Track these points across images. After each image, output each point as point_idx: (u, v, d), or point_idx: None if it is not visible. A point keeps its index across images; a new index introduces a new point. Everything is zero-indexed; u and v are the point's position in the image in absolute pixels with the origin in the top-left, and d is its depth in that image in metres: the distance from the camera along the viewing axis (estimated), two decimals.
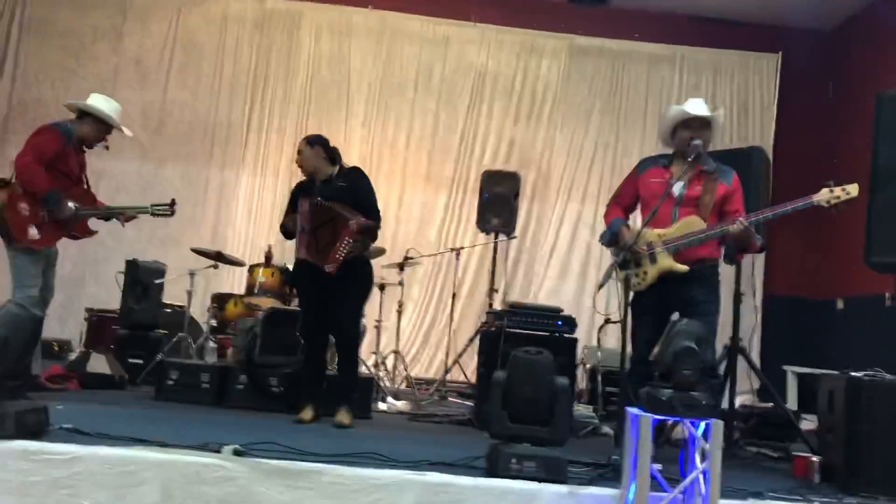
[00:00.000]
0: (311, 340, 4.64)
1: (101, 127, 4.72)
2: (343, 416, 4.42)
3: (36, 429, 3.11)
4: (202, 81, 8.60)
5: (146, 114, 8.49)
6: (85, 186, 4.82)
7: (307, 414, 4.44)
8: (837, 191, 3.73)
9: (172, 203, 5.02)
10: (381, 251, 6.04)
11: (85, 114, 4.70)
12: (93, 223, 4.91)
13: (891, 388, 3.53)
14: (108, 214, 4.86)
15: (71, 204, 4.58)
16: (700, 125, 4.03)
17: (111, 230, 8.15)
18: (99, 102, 4.73)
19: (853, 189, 3.71)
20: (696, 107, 4.09)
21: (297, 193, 4.66)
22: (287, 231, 4.71)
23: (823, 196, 3.76)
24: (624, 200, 4.27)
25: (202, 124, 8.55)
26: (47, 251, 4.64)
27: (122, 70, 8.54)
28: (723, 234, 3.92)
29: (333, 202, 4.43)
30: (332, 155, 4.65)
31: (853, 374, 3.63)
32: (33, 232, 4.49)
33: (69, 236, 4.76)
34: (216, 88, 8.60)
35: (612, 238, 4.15)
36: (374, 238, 4.62)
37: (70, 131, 4.64)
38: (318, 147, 4.60)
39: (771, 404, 5.11)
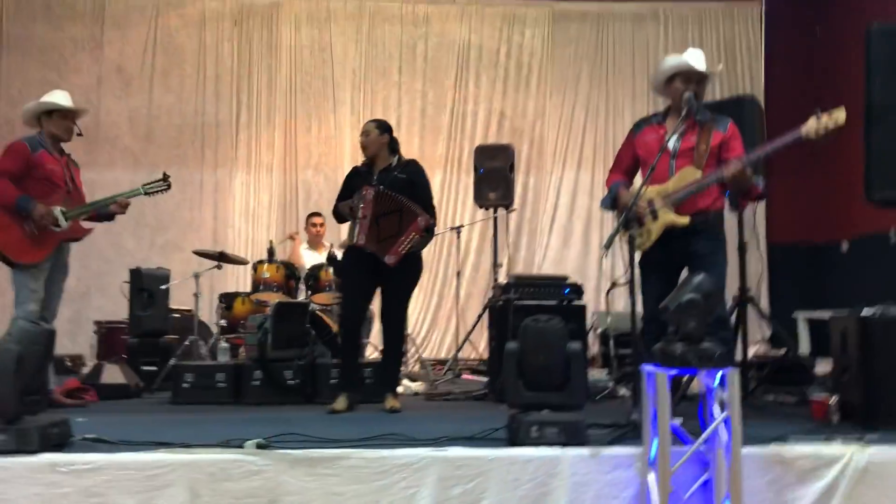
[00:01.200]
0: (352, 330, 4.63)
1: (61, 116, 4.66)
2: (394, 402, 4.47)
3: (59, 441, 3.13)
4: (186, 83, 8.57)
5: (133, 121, 8.47)
6: (69, 189, 4.69)
7: (341, 404, 4.43)
8: (824, 118, 3.60)
9: (166, 176, 4.92)
10: None
11: (42, 115, 4.69)
12: (89, 223, 4.88)
13: None
14: (96, 208, 4.75)
15: (57, 209, 4.52)
16: (698, 78, 3.95)
17: (112, 242, 8.28)
18: (45, 97, 4.72)
19: (840, 114, 3.58)
20: (696, 59, 3.98)
21: (354, 179, 4.63)
22: (340, 215, 4.68)
23: (811, 126, 3.63)
24: (623, 164, 4.20)
25: (191, 126, 8.53)
26: (44, 265, 4.58)
27: (105, 79, 8.50)
28: (719, 180, 3.82)
29: (398, 194, 4.42)
30: (394, 145, 4.66)
31: (864, 312, 3.63)
32: (25, 256, 4.49)
33: (67, 240, 4.69)
34: (201, 89, 8.57)
35: (612, 202, 4.10)
36: (432, 236, 4.63)
37: (35, 139, 4.63)
38: (385, 133, 4.61)
39: (784, 351, 5.13)
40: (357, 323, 4.66)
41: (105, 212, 4.85)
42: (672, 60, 4.05)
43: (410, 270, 4.61)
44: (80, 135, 4.75)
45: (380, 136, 4.60)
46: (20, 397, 3.02)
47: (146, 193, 4.89)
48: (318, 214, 7.13)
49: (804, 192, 8.21)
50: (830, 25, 8.25)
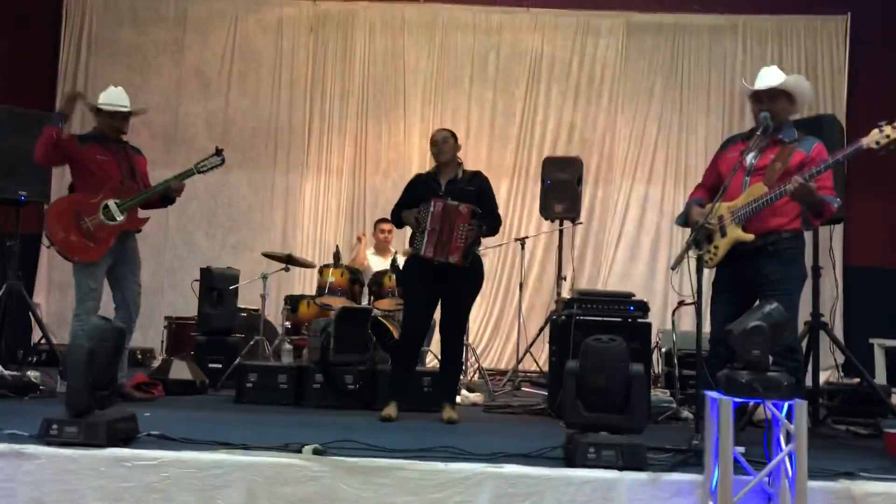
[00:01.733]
0: (412, 338, 4.64)
1: (108, 115, 4.74)
2: (451, 412, 4.48)
3: (126, 436, 3.24)
4: (262, 87, 8.77)
5: (210, 123, 8.71)
6: (124, 180, 4.72)
7: (392, 411, 4.46)
8: (888, 129, 3.51)
9: (219, 150, 4.89)
10: None
11: (96, 112, 4.80)
12: (145, 212, 4.93)
13: None
14: (152, 195, 4.76)
15: (111, 201, 4.59)
16: (768, 97, 3.90)
17: (186, 240, 8.52)
18: (102, 95, 4.82)
19: None
20: (761, 79, 3.96)
21: (419, 186, 4.67)
22: (398, 220, 4.72)
23: (873, 137, 3.54)
24: (707, 181, 4.16)
25: (264, 130, 8.73)
26: (103, 261, 4.63)
27: (184, 82, 8.77)
28: (782, 195, 3.71)
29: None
30: (457, 157, 4.71)
31: None
32: (80, 255, 4.57)
33: (125, 232, 4.71)
34: (276, 93, 8.76)
35: (685, 218, 4.08)
36: (494, 229, 4.64)
37: (83, 135, 4.81)
38: (455, 143, 4.66)
39: (857, 380, 4.93)
40: (419, 334, 4.67)
41: (165, 194, 4.84)
42: (740, 88, 4.04)
43: (472, 280, 4.61)
44: (122, 132, 4.82)
45: (454, 144, 4.64)
46: (90, 392, 3.13)
47: (199, 171, 4.83)
48: (386, 220, 7.18)
49: (886, 214, 7.89)
50: None
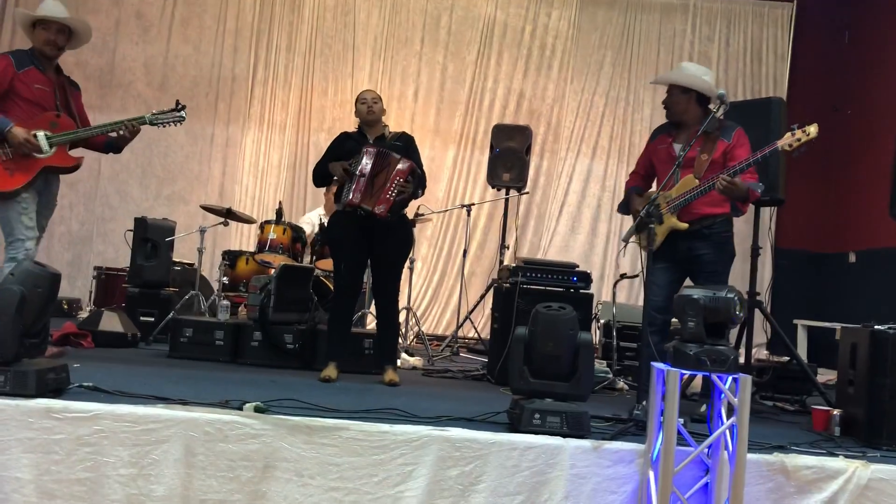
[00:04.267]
0: (344, 297, 4.55)
1: (43, 27, 4.21)
2: (393, 375, 4.43)
3: (57, 387, 3.10)
4: (205, 35, 8.46)
5: (149, 68, 8.37)
6: (59, 112, 4.22)
7: (333, 371, 4.40)
8: (798, 133, 3.80)
9: (180, 106, 4.35)
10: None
11: (32, 26, 4.25)
12: (79, 151, 4.38)
13: None
14: (91, 135, 4.23)
15: (41, 133, 4.08)
16: (676, 90, 4.15)
17: (118, 189, 8.20)
18: (38, 10, 4.29)
19: (813, 129, 3.77)
20: (670, 72, 4.32)
21: (346, 143, 4.56)
22: (322, 176, 4.61)
23: (786, 140, 3.83)
24: (640, 169, 4.45)
25: (206, 79, 8.44)
26: (29, 196, 4.12)
27: (123, 23, 8.39)
28: (711, 188, 3.93)
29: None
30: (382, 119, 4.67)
31: (877, 327, 3.59)
32: None
33: (52, 170, 4.21)
34: (220, 41, 8.47)
35: (626, 207, 4.41)
36: (421, 189, 4.54)
37: (19, 54, 4.20)
38: (382, 106, 4.63)
39: (786, 358, 5.09)
40: (351, 291, 4.57)
41: (111, 141, 4.36)
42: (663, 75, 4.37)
43: (400, 238, 4.55)
44: (60, 49, 4.25)
45: (382, 108, 4.62)
46: (20, 339, 2.98)
47: (152, 123, 4.27)
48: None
49: (817, 200, 8.15)
50: (859, 32, 8.14)
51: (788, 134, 3.84)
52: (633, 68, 8.52)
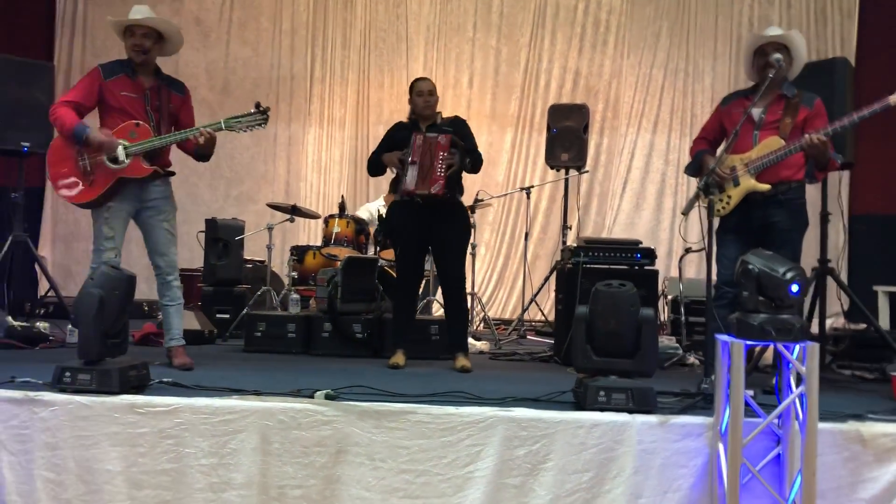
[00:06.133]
0: (407, 285, 4.64)
1: (132, 33, 4.13)
2: (464, 361, 4.48)
3: (138, 383, 3.26)
4: (262, 36, 8.63)
5: (210, 73, 8.60)
6: (152, 121, 4.14)
7: (401, 358, 4.49)
8: None
9: (262, 109, 4.19)
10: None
11: (123, 34, 4.17)
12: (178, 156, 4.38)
13: None
14: (162, 143, 4.10)
15: (120, 143, 4.02)
16: (775, 49, 4.00)
17: (189, 192, 8.46)
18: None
19: None
20: (770, 30, 4.12)
21: (400, 132, 4.61)
22: (376, 166, 4.67)
23: None
24: (709, 134, 4.32)
25: (266, 80, 8.61)
26: (112, 206, 4.11)
27: (183, 31, 8.46)
28: (800, 148, 3.87)
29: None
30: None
31: None
32: (67, 191, 4.05)
33: (125, 183, 4.10)
34: (276, 42, 8.63)
35: (696, 168, 4.25)
36: (473, 162, 4.54)
37: (113, 63, 4.18)
38: (437, 94, 4.66)
39: (863, 325, 4.94)
40: (416, 279, 4.67)
41: (198, 149, 4.19)
42: (748, 39, 4.21)
43: (458, 224, 4.60)
44: (146, 53, 4.13)
45: (437, 94, 4.66)
46: (102, 340, 3.14)
47: (228, 128, 4.15)
48: None
49: (891, 162, 7.81)
50: None
51: None
52: (691, 38, 8.30)
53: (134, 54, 4.16)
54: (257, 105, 4.22)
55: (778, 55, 3.87)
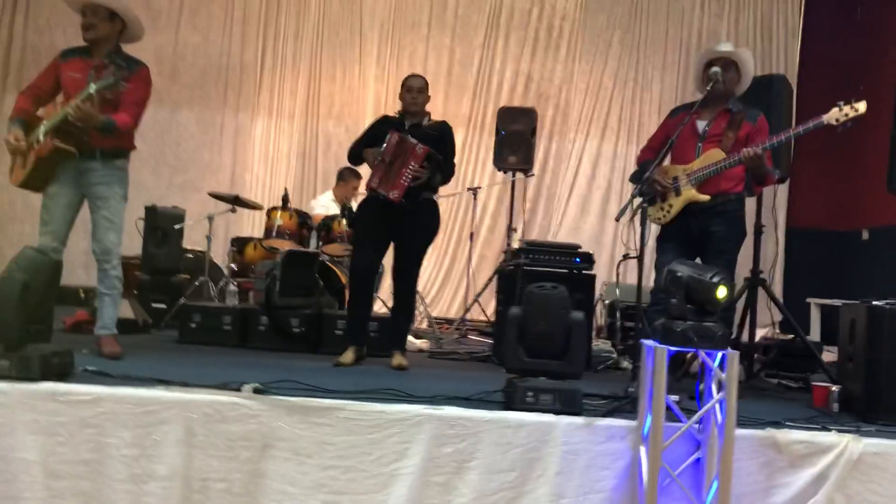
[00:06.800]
0: (362, 281, 4.55)
1: (83, 14, 4.05)
2: (401, 359, 4.45)
3: (61, 371, 3.18)
4: (213, 24, 8.50)
5: (159, 58, 8.40)
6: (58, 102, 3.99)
7: (348, 357, 4.42)
8: (846, 108, 3.80)
9: (124, 66, 3.94)
10: None
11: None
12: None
13: None
14: (56, 122, 3.87)
15: (43, 124, 3.94)
16: (722, 64, 4.15)
17: (131, 178, 8.23)
18: None
19: (861, 106, 3.77)
20: (721, 46, 4.28)
21: (384, 126, 4.56)
22: (357, 156, 4.61)
23: (833, 114, 3.83)
24: (655, 144, 4.41)
25: (215, 68, 8.48)
26: (50, 191, 4.02)
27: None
28: (739, 162, 4.00)
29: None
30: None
31: (874, 302, 3.59)
32: (10, 174, 4.01)
33: (48, 162, 3.97)
34: (228, 31, 8.51)
35: (640, 176, 4.29)
36: (444, 177, 4.54)
37: (73, 48, 4.12)
38: (427, 94, 4.61)
39: (792, 336, 5.08)
40: (368, 275, 4.58)
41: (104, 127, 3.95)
42: (700, 53, 4.38)
43: (424, 226, 4.57)
44: (94, 32, 4.00)
45: (427, 97, 4.61)
46: (24, 325, 3.06)
47: (98, 90, 3.84)
48: (358, 175, 7.01)
49: (829, 178, 8.06)
50: (872, 8, 8.01)
51: (836, 109, 3.83)
52: (642, 48, 8.45)
53: (83, 33, 4.08)
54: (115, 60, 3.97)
55: (716, 69, 4.04)
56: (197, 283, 5.92)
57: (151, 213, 6.04)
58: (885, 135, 3.78)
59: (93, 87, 3.82)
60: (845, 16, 8.28)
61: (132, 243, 6.86)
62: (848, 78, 7.91)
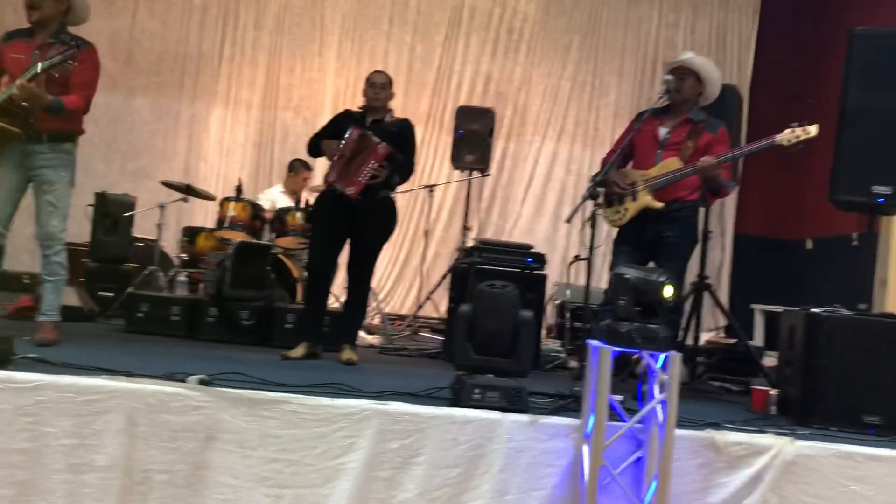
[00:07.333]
0: (318, 276, 4.54)
1: None
2: (351, 354, 4.43)
3: (0, 358, 3.11)
4: (172, 10, 8.36)
5: (114, 43, 8.25)
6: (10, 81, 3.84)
7: (299, 352, 4.38)
8: (798, 130, 3.95)
9: (73, 45, 3.84)
10: None
11: None
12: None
13: (847, 323, 3.62)
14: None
15: None
16: (680, 74, 4.28)
17: (82, 164, 7.98)
18: None
19: (813, 129, 3.92)
20: (698, 58, 4.39)
21: (346, 121, 4.53)
22: (316, 148, 4.58)
23: (785, 136, 3.98)
24: (617, 147, 4.48)
25: (172, 54, 8.35)
26: None
27: None
28: (694, 172, 4.12)
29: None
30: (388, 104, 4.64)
31: (813, 310, 3.70)
32: None
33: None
34: (187, 17, 8.38)
35: (602, 177, 4.39)
36: (402, 177, 4.54)
37: (16, 30, 4.08)
38: (391, 90, 4.59)
39: (736, 340, 5.21)
40: (324, 270, 4.57)
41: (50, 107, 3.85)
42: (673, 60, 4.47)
43: (383, 223, 4.57)
44: (38, 11, 3.90)
45: (390, 93, 4.59)
46: None
47: (44, 70, 3.73)
48: (308, 166, 6.98)
49: (777, 187, 8.26)
50: (822, 24, 8.24)
51: (789, 130, 3.98)
52: (600, 53, 8.56)
53: (27, 13, 3.98)
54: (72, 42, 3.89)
55: (668, 77, 4.14)
56: (146, 272, 5.83)
57: (101, 199, 5.94)
58: (831, 147, 3.91)
59: (39, 66, 3.73)
60: (796, 30, 8.50)
61: (81, 230, 6.75)
62: (797, 90, 8.13)
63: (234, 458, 3.01)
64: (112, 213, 5.87)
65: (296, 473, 3.01)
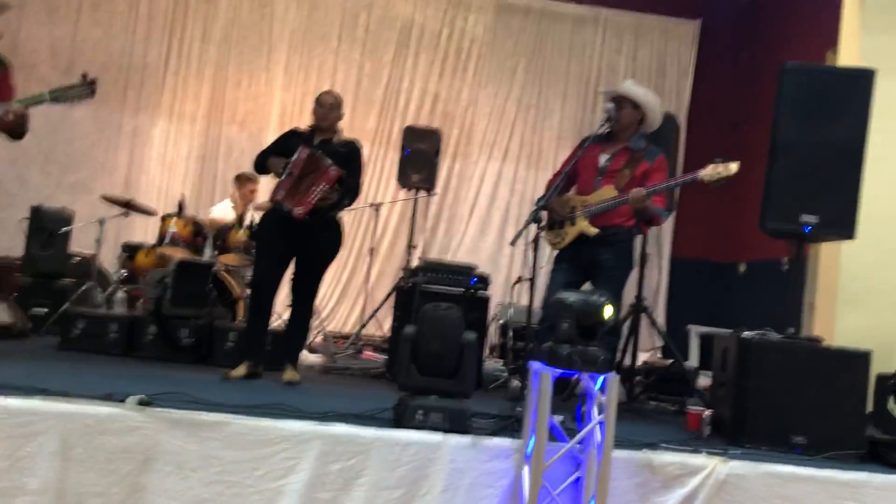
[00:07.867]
0: (262, 294, 4.49)
1: None
2: (293, 374, 4.39)
3: None
4: (117, 19, 8.25)
5: (55, 51, 8.10)
6: None
7: (240, 371, 4.33)
8: (721, 167, 4.10)
9: (88, 80, 3.91)
10: None
11: None
12: None
13: (777, 347, 3.75)
14: None
15: None
16: (629, 105, 4.43)
17: (18, 175, 7.92)
18: None
19: (734, 167, 4.08)
20: (636, 86, 4.53)
21: (292, 139, 4.50)
22: (262, 166, 4.53)
23: (707, 172, 4.12)
24: (561, 171, 4.58)
25: (116, 65, 8.23)
26: None
27: (28, 2, 8.09)
28: (625, 202, 4.25)
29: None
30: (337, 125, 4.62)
31: (744, 333, 3.83)
32: None
33: None
34: (132, 27, 8.29)
35: (546, 202, 4.51)
36: (350, 200, 4.53)
37: None
38: (340, 111, 4.56)
39: (672, 361, 5.34)
40: (269, 288, 4.52)
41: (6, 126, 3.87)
42: (608, 89, 4.71)
43: (329, 242, 4.55)
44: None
45: (339, 114, 4.57)
46: None
47: (54, 100, 3.83)
48: (252, 179, 6.91)
49: (712, 211, 8.52)
50: (758, 54, 8.56)
51: (711, 166, 4.12)
52: (545, 77, 8.73)
53: None
54: (83, 76, 3.96)
55: (608, 105, 4.27)
56: (83, 288, 5.70)
57: (37, 213, 5.81)
58: (762, 173, 4.06)
59: (48, 95, 3.79)
60: (734, 58, 8.82)
61: (14, 244, 6.58)
62: (734, 119, 8.42)
63: (173, 480, 2.97)
64: (48, 226, 5.73)
65: (237, 495, 2.99)
